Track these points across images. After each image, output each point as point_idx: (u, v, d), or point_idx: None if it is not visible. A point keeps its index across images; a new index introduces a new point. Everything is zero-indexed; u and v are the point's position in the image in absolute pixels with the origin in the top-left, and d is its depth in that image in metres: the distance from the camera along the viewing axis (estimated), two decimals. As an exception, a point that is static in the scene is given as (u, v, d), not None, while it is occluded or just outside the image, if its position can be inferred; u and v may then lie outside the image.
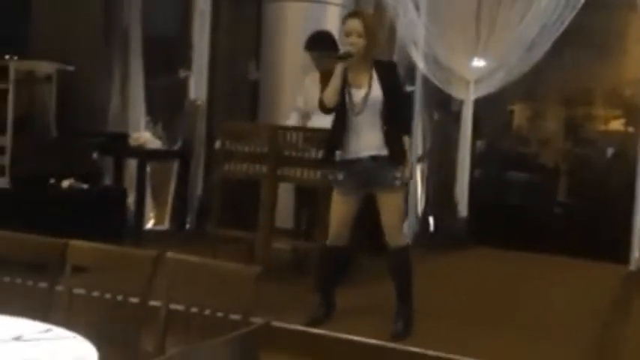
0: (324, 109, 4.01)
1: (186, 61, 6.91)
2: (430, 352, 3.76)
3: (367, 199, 4.07)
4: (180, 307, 2.46)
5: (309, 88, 5.38)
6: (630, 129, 6.98)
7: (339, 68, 3.90)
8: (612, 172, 7.15)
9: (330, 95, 3.93)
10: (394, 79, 4.08)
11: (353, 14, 4.11)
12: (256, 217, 5.01)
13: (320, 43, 5.27)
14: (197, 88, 6.90)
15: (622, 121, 7.40)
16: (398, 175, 3.95)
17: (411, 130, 4.19)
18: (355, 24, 3.94)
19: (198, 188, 6.84)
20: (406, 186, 4.11)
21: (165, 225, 6.84)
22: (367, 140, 3.95)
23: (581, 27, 6.25)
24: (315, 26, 5.77)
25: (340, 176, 4.03)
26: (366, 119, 3.93)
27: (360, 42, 3.90)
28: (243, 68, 6.96)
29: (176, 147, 6.78)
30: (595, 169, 7.45)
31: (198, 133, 6.83)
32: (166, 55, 7.06)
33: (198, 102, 6.88)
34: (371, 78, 3.95)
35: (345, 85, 3.93)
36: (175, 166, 6.87)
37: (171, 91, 6.97)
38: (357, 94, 3.94)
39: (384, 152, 3.94)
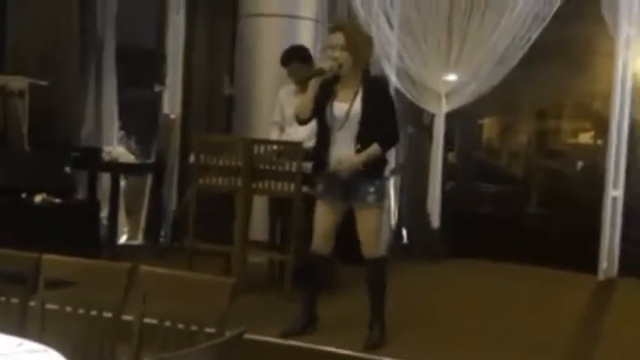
0: (298, 120, 4.08)
1: (160, 76, 6.92)
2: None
3: (348, 210, 4.11)
4: (154, 321, 2.46)
5: (284, 102, 5.44)
6: (599, 142, 7.10)
7: (314, 81, 3.95)
8: (581, 184, 7.26)
9: (303, 108, 4.00)
10: (382, 95, 4.07)
11: (335, 28, 4.12)
12: (231, 230, 5.03)
13: (295, 58, 5.33)
14: (171, 102, 6.91)
15: (591, 133, 7.54)
16: (372, 190, 3.99)
17: (388, 143, 4.10)
18: (337, 37, 3.96)
19: (172, 202, 6.84)
20: (383, 201, 4.11)
21: (140, 239, 6.82)
22: (346, 154, 3.98)
23: (550, 41, 6.37)
24: (290, 41, 5.82)
25: (321, 188, 4.10)
26: (347, 133, 3.97)
27: (343, 56, 3.92)
28: (217, 82, 6.98)
29: (150, 161, 6.77)
30: (564, 181, 7.57)
31: (173, 147, 6.83)
32: (140, 70, 7.07)
33: (172, 116, 6.89)
34: (356, 93, 3.97)
35: (329, 99, 3.97)
36: (149, 180, 6.85)
37: (145, 106, 6.98)
38: (340, 109, 3.97)
39: (360, 166, 3.97)
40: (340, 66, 3.93)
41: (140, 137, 6.75)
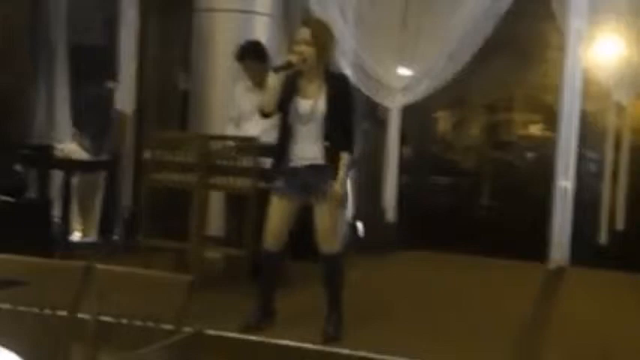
0: (262, 113, 4.07)
1: (113, 72, 6.84)
2: (361, 354, 3.84)
3: (303, 206, 4.12)
4: (110, 319, 2.45)
5: (239, 97, 5.43)
6: (549, 133, 7.25)
7: (278, 75, 3.94)
8: (532, 175, 7.39)
9: (268, 101, 4.00)
10: (345, 92, 4.09)
11: (303, 23, 4.14)
12: (187, 226, 5.01)
13: (250, 53, 5.33)
14: (125, 98, 6.83)
15: (541, 126, 7.68)
16: (334, 185, 4.01)
17: (352, 146, 4.15)
18: (304, 32, 3.98)
19: (127, 199, 6.77)
20: (343, 198, 4.11)
21: (94, 237, 6.75)
22: (308, 150, 4.01)
23: (503, 36, 6.47)
24: (245, 36, 5.81)
25: (280, 183, 4.08)
26: (310, 130, 3.99)
27: (309, 51, 3.94)
28: (172, 78, 6.93)
29: (103, 158, 6.70)
30: (516, 172, 7.70)
31: (127, 144, 6.76)
32: (93, 66, 6.97)
33: (126, 112, 6.81)
34: (320, 89, 4.00)
35: (293, 94, 3.98)
36: (103, 177, 6.78)
37: (98, 102, 6.90)
38: (304, 105, 3.99)
39: (322, 162, 3.99)
40: (304, 61, 3.94)
41: (93, 134, 6.68)
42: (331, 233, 4.07)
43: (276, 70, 4.00)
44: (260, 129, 5.05)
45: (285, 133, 4.05)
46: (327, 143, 3.99)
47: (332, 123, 3.98)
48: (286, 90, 3.98)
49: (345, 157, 4.01)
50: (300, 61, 3.93)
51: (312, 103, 3.98)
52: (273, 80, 3.96)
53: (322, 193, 4.01)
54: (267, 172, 4.54)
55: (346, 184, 4.13)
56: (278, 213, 4.09)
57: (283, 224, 4.10)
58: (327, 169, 4.00)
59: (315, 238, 4.07)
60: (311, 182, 4.02)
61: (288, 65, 3.97)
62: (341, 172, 4.00)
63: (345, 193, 4.17)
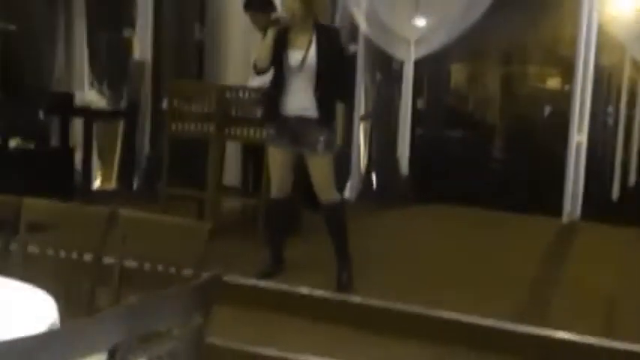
0: (257, 69, 4.15)
1: (129, 20, 6.86)
2: (372, 302, 3.95)
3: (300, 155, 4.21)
4: (133, 264, 2.55)
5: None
6: (566, 87, 7.21)
7: (271, 31, 4.03)
8: (547, 129, 7.37)
9: (262, 57, 4.08)
10: (335, 44, 4.17)
11: None
12: (205, 175, 5.11)
13: (255, 3, 5.35)
14: (142, 47, 6.87)
15: (558, 79, 7.63)
16: (322, 138, 4.07)
17: (347, 96, 4.31)
18: None
19: (145, 147, 6.87)
20: (333, 149, 4.15)
21: (113, 185, 6.87)
22: (299, 101, 4.08)
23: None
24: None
25: (272, 132, 4.19)
26: (301, 81, 4.06)
27: (295, 5, 4.02)
28: (188, 27, 6.95)
29: (122, 106, 6.78)
30: (530, 125, 7.66)
31: (145, 93, 6.83)
32: (110, 14, 6.99)
33: (143, 61, 6.86)
34: (310, 41, 4.06)
35: (283, 46, 4.05)
36: (122, 125, 6.87)
37: (116, 50, 6.93)
38: (294, 56, 4.05)
39: (312, 114, 4.07)
40: (293, 15, 4.01)
41: (112, 82, 6.74)
42: (327, 183, 4.14)
43: (274, 24, 4.08)
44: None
45: (277, 85, 4.13)
46: (318, 94, 4.06)
47: (324, 74, 4.04)
48: (278, 43, 4.05)
49: (340, 108, 4.11)
50: (289, 15, 4.01)
51: (303, 54, 4.04)
52: (268, 36, 4.04)
53: (313, 144, 4.08)
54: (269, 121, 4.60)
55: (334, 135, 4.18)
56: (275, 161, 4.22)
57: (283, 171, 4.20)
58: (317, 120, 4.07)
59: (314, 188, 4.16)
60: (300, 134, 4.10)
61: (276, 21, 4.07)
62: (335, 123, 4.09)
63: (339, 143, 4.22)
